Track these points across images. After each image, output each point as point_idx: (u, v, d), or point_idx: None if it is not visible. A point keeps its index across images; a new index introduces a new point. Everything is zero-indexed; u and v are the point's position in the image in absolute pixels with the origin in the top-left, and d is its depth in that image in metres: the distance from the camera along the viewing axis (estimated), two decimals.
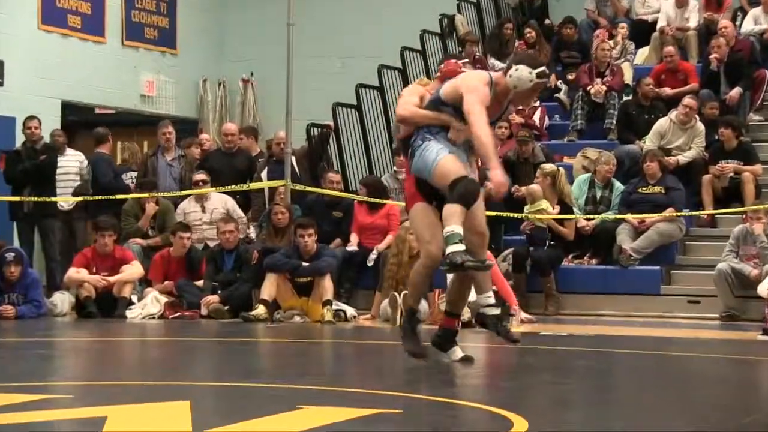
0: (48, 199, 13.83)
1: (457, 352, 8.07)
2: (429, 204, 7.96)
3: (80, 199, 14.22)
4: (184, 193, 14.22)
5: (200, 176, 14.00)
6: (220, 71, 19.30)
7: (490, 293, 8.19)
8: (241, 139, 15.50)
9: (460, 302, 8.29)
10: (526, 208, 13.30)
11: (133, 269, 12.87)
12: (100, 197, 13.98)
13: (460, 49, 17.13)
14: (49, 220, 14.03)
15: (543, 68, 7.95)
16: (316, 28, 18.06)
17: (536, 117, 15.77)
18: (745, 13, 16.57)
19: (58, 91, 16.52)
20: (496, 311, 8.15)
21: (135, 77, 17.89)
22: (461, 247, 7.57)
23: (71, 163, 14.66)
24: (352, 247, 13.38)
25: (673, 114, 14.50)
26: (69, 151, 14.78)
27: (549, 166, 13.67)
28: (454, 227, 7.57)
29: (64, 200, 14.31)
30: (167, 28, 18.54)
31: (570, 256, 13.58)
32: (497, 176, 7.71)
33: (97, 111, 17.97)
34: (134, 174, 14.91)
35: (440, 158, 7.77)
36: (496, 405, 6.23)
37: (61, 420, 5.85)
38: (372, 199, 13.48)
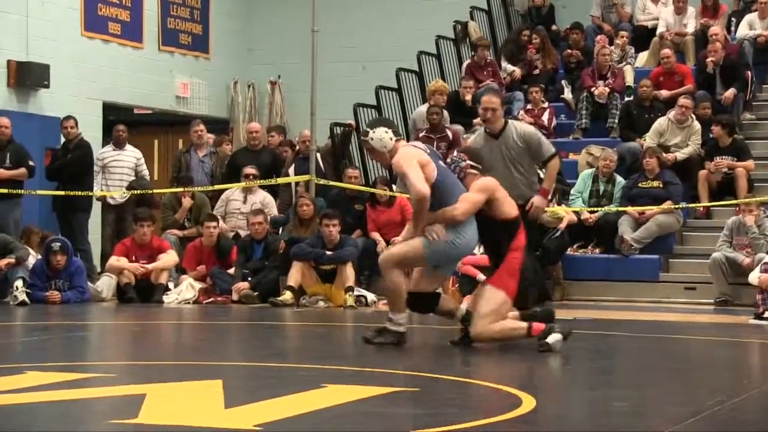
0: (75, 193, 13.91)
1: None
2: None
3: (107, 193, 14.31)
4: (218, 187, 14.26)
5: (250, 170, 14.02)
6: (250, 74, 19.31)
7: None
8: (272, 137, 15.54)
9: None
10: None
11: (169, 257, 12.92)
12: (143, 191, 14.11)
13: (472, 53, 17.14)
14: (80, 214, 14.16)
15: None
16: (338, 34, 18.06)
17: (545, 117, 15.74)
18: (739, 19, 16.50)
19: (99, 92, 16.56)
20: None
21: (170, 80, 17.93)
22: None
23: (128, 158, 14.73)
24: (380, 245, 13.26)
25: (671, 114, 14.45)
26: (127, 147, 14.83)
27: None
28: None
29: (104, 194, 14.40)
30: (200, 35, 18.57)
31: (575, 246, 13.57)
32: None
33: (135, 111, 18.02)
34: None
35: None
36: (506, 384, 6.25)
37: (104, 397, 5.89)
38: (386, 192, 13.41)
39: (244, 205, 13.92)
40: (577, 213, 13.52)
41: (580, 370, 7.52)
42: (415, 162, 7.89)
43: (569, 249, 13.44)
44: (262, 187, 14.10)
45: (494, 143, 9.49)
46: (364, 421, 5.30)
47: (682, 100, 14.32)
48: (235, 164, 14.55)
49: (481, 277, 11.84)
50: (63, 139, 14.65)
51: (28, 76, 15.21)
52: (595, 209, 13.63)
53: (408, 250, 7.98)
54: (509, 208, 8.13)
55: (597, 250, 13.58)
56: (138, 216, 12.98)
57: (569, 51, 16.82)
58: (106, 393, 6.00)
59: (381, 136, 8.04)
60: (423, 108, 15.64)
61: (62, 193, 13.96)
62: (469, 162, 8.18)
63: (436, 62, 17.34)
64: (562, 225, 13.21)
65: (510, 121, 9.81)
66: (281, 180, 14.27)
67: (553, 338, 7.75)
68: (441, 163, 8.17)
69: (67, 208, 14.12)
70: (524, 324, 7.95)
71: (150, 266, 12.72)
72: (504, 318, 7.93)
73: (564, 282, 13.20)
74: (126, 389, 6.06)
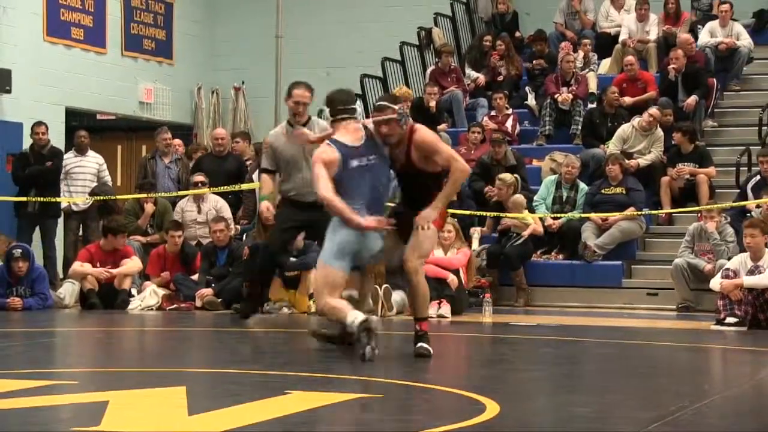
0: (52, 200, 13.87)
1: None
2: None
3: (82, 200, 14.22)
4: (182, 193, 14.22)
5: (199, 177, 13.99)
6: (214, 80, 19.29)
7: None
8: (237, 143, 15.49)
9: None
10: (510, 217, 13.32)
11: (133, 263, 12.86)
12: (106, 197, 14.03)
13: (436, 59, 17.19)
14: (51, 220, 14.10)
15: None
16: (303, 40, 18.08)
17: (508, 123, 15.81)
18: (702, 26, 16.61)
19: (62, 98, 16.48)
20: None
21: (134, 85, 17.86)
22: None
23: (90, 164, 14.65)
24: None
25: (635, 120, 14.54)
26: (90, 152, 14.75)
27: (508, 176, 13.66)
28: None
29: (68, 200, 14.32)
30: (164, 40, 18.52)
31: (538, 252, 13.61)
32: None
33: (98, 117, 17.94)
34: None
35: None
36: (470, 390, 6.25)
37: (66, 404, 5.85)
38: None
39: (199, 215, 13.86)
40: (540, 219, 13.57)
41: (544, 375, 7.54)
42: None
43: (533, 255, 13.48)
44: (220, 192, 14.05)
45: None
46: (329, 427, 5.29)
47: (652, 110, 14.43)
48: (200, 170, 14.50)
49: (453, 278, 11.87)
50: (28, 144, 14.49)
51: None
52: (559, 215, 13.68)
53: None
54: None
55: (560, 256, 13.64)
56: (114, 227, 12.84)
57: (534, 62, 16.86)
58: (68, 400, 5.96)
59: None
60: None
61: (24, 198, 13.86)
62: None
63: (401, 68, 17.38)
64: (526, 233, 13.25)
65: (312, 116, 10.03)
66: (245, 186, 14.23)
67: (428, 346, 7.78)
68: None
69: (41, 214, 14.02)
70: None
71: (114, 271, 12.65)
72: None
73: (527, 288, 13.25)
74: (89, 396, 6.03)
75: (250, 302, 10.71)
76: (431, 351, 7.77)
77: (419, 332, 7.85)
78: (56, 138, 15.71)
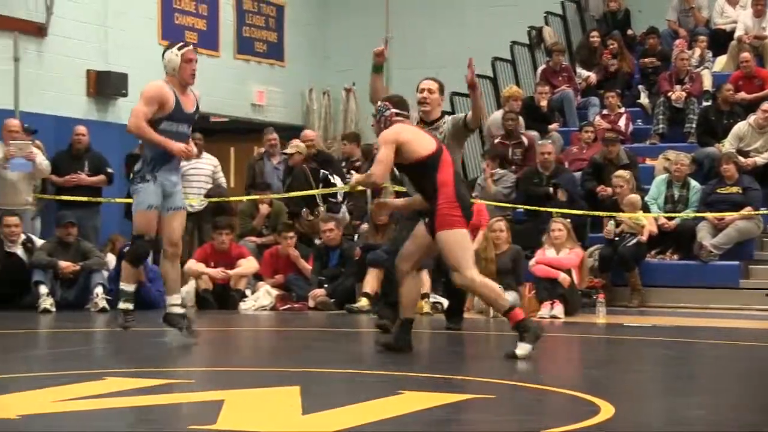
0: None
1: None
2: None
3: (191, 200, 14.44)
4: (293, 194, 14.33)
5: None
6: (325, 81, 19.40)
7: (177, 296, 8.86)
8: (344, 145, 15.57)
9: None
10: (624, 216, 13.17)
11: (249, 264, 13.01)
12: (220, 199, 14.21)
13: (547, 58, 17.09)
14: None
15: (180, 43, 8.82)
16: (412, 41, 18.09)
17: (621, 122, 15.64)
18: None
19: None
20: (181, 311, 8.84)
21: (246, 88, 18.06)
22: (129, 306, 8.82)
23: (206, 166, 14.82)
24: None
25: (751, 118, 14.30)
26: (204, 155, 14.92)
27: (626, 173, 13.51)
28: (127, 286, 8.79)
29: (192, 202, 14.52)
30: (276, 43, 18.71)
31: (653, 252, 13.45)
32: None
33: (211, 119, 18.18)
34: None
35: (143, 208, 8.62)
36: (584, 391, 6.21)
37: (183, 403, 5.95)
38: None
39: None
40: (654, 219, 13.40)
41: (658, 377, 7.46)
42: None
43: (647, 255, 13.32)
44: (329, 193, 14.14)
45: (426, 131, 9.45)
46: (442, 428, 5.30)
47: (766, 105, 14.16)
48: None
49: (564, 276, 11.78)
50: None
51: (107, 86, 15.44)
52: (672, 215, 13.50)
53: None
54: (419, 146, 7.79)
55: (675, 257, 13.46)
56: (217, 224, 13.11)
57: (646, 59, 16.63)
58: (184, 399, 6.06)
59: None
60: (498, 114, 15.62)
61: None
62: (394, 110, 8.00)
63: (511, 68, 17.30)
64: (644, 237, 13.07)
65: (448, 116, 9.78)
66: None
67: (523, 350, 7.64)
68: None
69: None
70: (508, 301, 7.99)
71: (232, 272, 12.81)
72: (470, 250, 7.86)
73: (642, 288, 13.10)
74: (204, 395, 6.12)
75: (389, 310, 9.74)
76: (517, 354, 7.64)
77: (512, 328, 7.79)
78: None
